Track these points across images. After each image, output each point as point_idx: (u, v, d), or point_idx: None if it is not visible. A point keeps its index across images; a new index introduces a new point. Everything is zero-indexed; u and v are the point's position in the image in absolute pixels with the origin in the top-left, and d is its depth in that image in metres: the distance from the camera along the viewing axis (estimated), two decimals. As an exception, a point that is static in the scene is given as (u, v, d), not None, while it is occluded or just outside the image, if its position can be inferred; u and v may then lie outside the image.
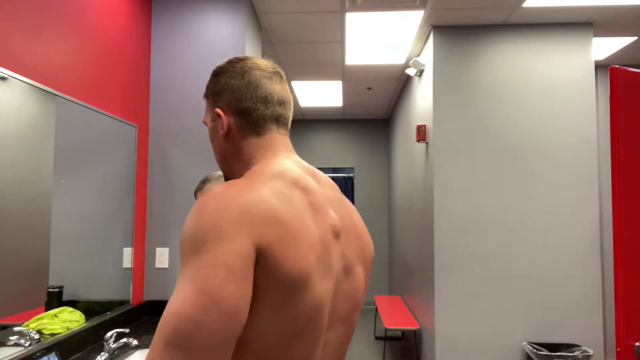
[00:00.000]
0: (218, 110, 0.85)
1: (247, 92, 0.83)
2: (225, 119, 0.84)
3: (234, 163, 0.86)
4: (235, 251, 0.63)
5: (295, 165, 0.82)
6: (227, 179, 0.90)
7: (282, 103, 0.86)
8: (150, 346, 0.61)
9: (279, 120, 0.86)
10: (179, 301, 0.60)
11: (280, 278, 0.66)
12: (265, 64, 0.88)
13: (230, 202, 0.66)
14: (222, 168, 0.90)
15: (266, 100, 0.84)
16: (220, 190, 0.69)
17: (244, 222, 0.65)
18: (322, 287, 0.72)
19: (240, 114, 0.83)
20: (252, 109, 0.83)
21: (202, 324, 0.59)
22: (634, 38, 3.71)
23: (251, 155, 0.84)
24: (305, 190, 0.76)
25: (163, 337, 0.59)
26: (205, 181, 1.78)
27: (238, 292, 0.62)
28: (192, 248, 0.64)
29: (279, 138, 0.86)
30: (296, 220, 0.70)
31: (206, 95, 0.90)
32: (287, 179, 0.76)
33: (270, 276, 0.66)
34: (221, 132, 0.85)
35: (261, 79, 0.84)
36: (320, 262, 0.72)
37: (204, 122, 0.91)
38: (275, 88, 0.85)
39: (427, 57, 3.75)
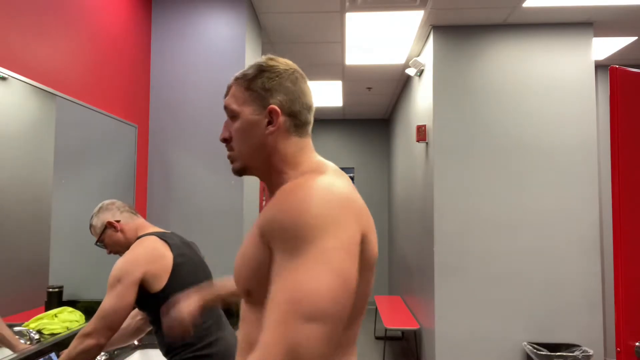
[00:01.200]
0: (275, 107, 0.89)
1: (298, 97, 0.91)
2: (280, 117, 0.89)
3: (271, 158, 0.90)
4: (352, 237, 0.74)
5: None
6: (244, 172, 0.93)
7: (312, 111, 0.98)
8: (277, 321, 0.67)
9: (311, 125, 0.97)
10: (316, 282, 0.68)
11: (366, 261, 0.80)
12: (302, 73, 0.97)
13: (335, 192, 0.77)
14: (248, 161, 0.92)
15: (309, 108, 0.94)
16: (314, 183, 0.78)
17: (351, 211, 0.76)
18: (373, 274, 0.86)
19: (290, 115, 0.90)
20: (301, 113, 0.91)
21: (338, 301, 0.68)
22: (634, 38, 3.71)
23: (293, 154, 0.90)
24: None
25: (299, 313, 0.66)
26: (94, 216, 1.71)
27: (356, 274, 0.73)
28: (310, 233, 0.71)
29: (310, 141, 0.96)
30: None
31: (248, 88, 0.91)
32: (344, 175, 0.87)
33: (363, 260, 0.79)
34: (270, 128, 0.89)
35: (306, 88, 0.94)
36: None
37: (232, 110, 0.92)
38: (311, 98, 0.97)
39: (427, 57, 3.75)
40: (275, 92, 0.90)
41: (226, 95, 0.96)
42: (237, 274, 0.87)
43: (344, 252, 0.71)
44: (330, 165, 0.90)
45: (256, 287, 0.82)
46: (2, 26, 1.58)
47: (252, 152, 0.91)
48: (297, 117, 0.91)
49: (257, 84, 0.91)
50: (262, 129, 0.90)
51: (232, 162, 0.95)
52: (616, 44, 3.83)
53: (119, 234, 1.69)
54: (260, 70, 0.91)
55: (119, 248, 1.70)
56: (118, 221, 1.69)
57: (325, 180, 0.79)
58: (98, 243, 1.71)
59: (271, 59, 0.93)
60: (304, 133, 0.93)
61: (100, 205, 1.73)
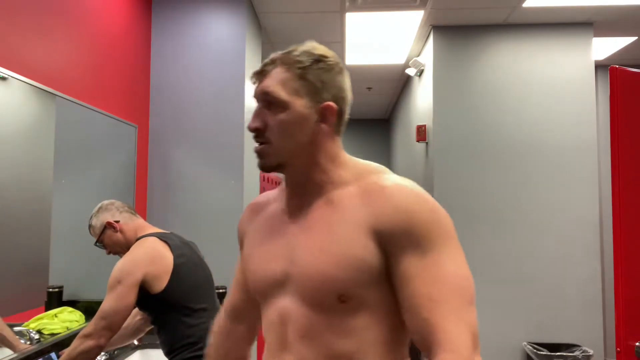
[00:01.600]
0: (332, 105, 0.82)
1: (346, 95, 0.86)
2: (334, 117, 0.83)
3: (316, 156, 0.83)
4: None
5: None
6: (278, 169, 0.84)
7: None
8: (455, 313, 0.71)
9: None
10: (465, 269, 0.75)
11: None
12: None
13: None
14: (289, 157, 0.83)
15: (349, 103, 0.88)
16: (408, 181, 0.81)
17: None
18: None
19: (339, 113, 0.84)
20: (346, 113, 0.86)
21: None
22: (634, 38, 3.71)
23: (337, 153, 0.85)
24: None
25: (467, 300, 0.72)
26: (93, 216, 1.72)
27: None
28: (450, 225, 0.78)
29: None
30: None
31: (303, 77, 0.81)
32: None
33: None
34: (323, 127, 0.82)
35: (349, 84, 0.87)
36: None
37: (279, 99, 0.80)
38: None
39: (427, 57, 3.74)
40: (332, 86, 0.82)
41: (261, 77, 0.83)
42: (324, 277, 0.77)
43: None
44: (375, 164, 0.88)
45: (359, 291, 0.77)
46: (2, 26, 1.58)
47: (297, 149, 0.82)
48: (343, 115, 0.85)
49: (313, 74, 0.81)
50: (312, 126, 0.82)
51: (263, 156, 0.83)
52: (616, 44, 3.83)
53: (119, 235, 1.69)
54: (315, 59, 0.82)
55: (119, 248, 1.70)
56: (117, 221, 1.69)
57: (403, 179, 0.82)
58: (97, 243, 1.71)
59: (318, 47, 0.84)
60: (341, 132, 0.88)
61: (99, 205, 1.73)
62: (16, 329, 1.62)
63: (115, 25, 2.38)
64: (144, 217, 2.67)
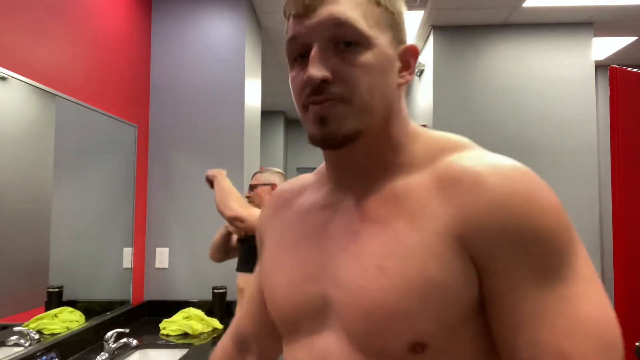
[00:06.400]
0: (415, 45, 0.59)
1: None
2: (416, 64, 0.59)
3: (392, 123, 0.58)
4: None
5: None
6: (352, 140, 0.55)
7: None
8: None
9: None
10: (607, 307, 0.48)
11: None
12: None
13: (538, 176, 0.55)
14: (374, 119, 0.56)
15: None
16: (516, 163, 0.55)
17: None
18: None
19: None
20: None
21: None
22: (634, 38, 3.71)
23: (408, 120, 0.61)
24: None
25: (606, 357, 0.47)
26: (269, 170, 2.08)
27: None
28: (574, 238, 0.50)
29: None
30: None
31: (381, 4, 0.56)
32: None
33: None
34: (407, 76, 0.59)
35: None
36: None
37: (359, 32, 0.53)
38: None
39: (427, 57, 3.74)
40: (404, 21, 0.59)
41: (317, 1, 0.54)
42: (386, 311, 0.50)
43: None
44: (454, 135, 0.63)
45: (441, 335, 0.50)
46: (2, 26, 1.58)
47: (384, 107, 0.56)
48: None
49: (390, 1, 0.57)
50: (395, 74, 0.57)
51: (334, 120, 0.54)
52: (616, 44, 3.83)
53: (268, 198, 2.02)
54: None
55: (260, 204, 1.98)
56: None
57: (501, 157, 0.56)
58: (251, 189, 2.07)
59: None
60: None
61: (277, 170, 2.09)
62: (16, 329, 1.62)
63: (115, 25, 2.38)
64: (144, 217, 2.67)
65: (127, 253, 2.46)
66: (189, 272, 2.67)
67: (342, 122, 0.54)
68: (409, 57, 0.58)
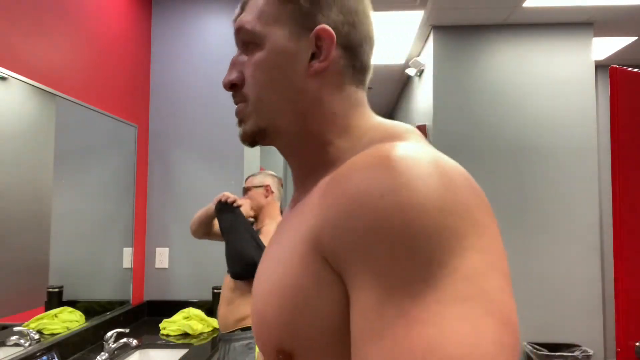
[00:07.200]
0: (327, 27, 0.53)
1: (362, 22, 0.56)
2: (332, 47, 0.53)
3: (311, 116, 0.55)
4: (499, 243, 0.40)
5: None
6: (261, 139, 0.57)
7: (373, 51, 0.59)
8: None
9: (370, 73, 0.60)
10: (467, 339, 0.33)
11: None
12: None
13: (448, 168, 0.42)
14: (273, 118, 0.55)
15: (371, 41, 0.58)
16: (409, 153, 0.42)
17: (483, 201, 0.42)
18: None
19: (348, 48, 0.55)
20: (362, 48, 0.56)
21: None
22: (634, 38, 3.71)
23: (345, 112, 0.55)
24: None
25: None
26: (260, 174, 2.09)
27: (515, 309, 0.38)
28: (439, 242, 0.37)
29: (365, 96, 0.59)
30: None
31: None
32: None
33: None
34: (316, 64, 0.54)
35: (369, 7, 0.58)
36: None
37: (251, 33, 0.55)
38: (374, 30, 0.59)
39: (427, 57, 3.75)
40: (326, 6, 0.54)
41: (240, 12, 0.58)
42: (261, 320, 0.49)
43: (497, 274, 0.37)
44: (405, 126, 0.54)
45: (304, 344, 0.45)
46: (2, 26, 1.58)
47: (282, 102, 0.55)
48: (357, 53, 0.56)
49: None
50: (302, 65, 0.54)
51: (242, 120, 0.57)
52: (616, 44, 3.83)
53: (263, 200, 2.03)
54: None
55: (255, 207, 2.04)
56: (272, 192, 2.04)
57: (422, 150, 0.43)
58: (245, 192, 2.09)
59: None
60: (362, 82, 0.58)
61: (270, 172, 2.10)
62: (16, 329, 1.62)
63: (115, 26, 2.38)
64: (144, 217, 2.67)
65: (127, 253, 2.46)
66: (189, 272, 2.67)
67: (247, 121, 0.56)
68: (320, 43, 0.54)
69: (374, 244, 0.38)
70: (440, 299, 0.35)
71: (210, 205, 2.01)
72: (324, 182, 0.51)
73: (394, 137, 0.51)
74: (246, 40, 0.56)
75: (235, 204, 1.90)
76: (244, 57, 0.57)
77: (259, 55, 0.54)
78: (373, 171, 0.41)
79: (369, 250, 0.38)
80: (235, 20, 0.58)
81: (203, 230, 2.06)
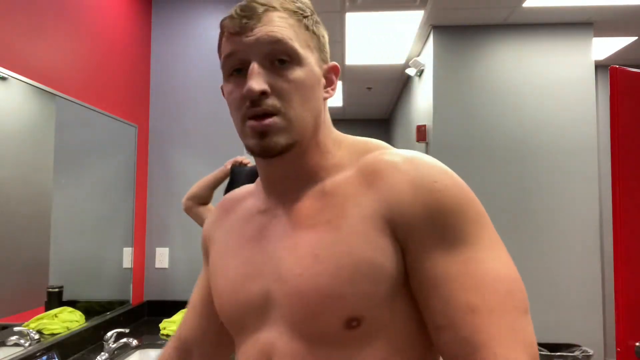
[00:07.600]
0: (337, 65, 0.68)
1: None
2: (337, 79, 0.68)
3: (320, 133, 0.66)
4: None
5: None
6: (286, 150, 0.61)
7: None
8: (507, 327, 0.52)
9: None
10: (511, 268, 0.57)
11: None
12: None
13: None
14: (305, 132, 0.62)
15: None
16: (422, 154, 0.61)
17: None
18: None
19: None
20: None
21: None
22: (634, 38, 3.71)
23: (333, 129, 0.69)
24: None
25: (520, 309, 0.54)
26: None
27: None
28: (481, 210, 0.58)
29: None
30: None
31: (309, 29, 0.63)
32: None
33: None
34: (330, 91, 0.67)
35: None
36: None
37: (294, 51, 0.60)
38: None
39: (427, 57, 3.74)
40: (326, 47, 0.68)
41: (254, 22, 0.59)
42: (323, 294, 0.56)
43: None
44: (371, 139, 0.72)
45: (375, 310, 0.56)
46: (2, 26, 1.58)
47: (311, 119, 0.63)
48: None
49: (316, 27, 0.65)
50: (321, 90, 0.65)
51: (272, 133, 0.59)
52: (616, 44, 3.83)
53: None
54: (311, 10, 0.65)
55: None
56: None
57: (412, 151, 0.63)
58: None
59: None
60: None
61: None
62: (16, 329, 1.62)
63: (115, 26, 2.38)
64: (144, 217, 2.67)
65: (127, 253, 2.46)
66: (189, 272, 2.66)
67: (280, 135, 0.60)
68: (331, 75, 0.67)
69: (435, 215, 0.55)
70: (487, 244, 0.56)
71: (219, 171, 2.01)
72: (340, 180, 0.62)
73: (379, 146, 0.66)
74: (284, 54, 0.59)
75: (250, 166, 1.89)
76: (268, 70, 0.60)
77: (299, 74, 0.60)
78: (411, 164, 0.58)
79: (432, 220, 0.55)
80: (250, 27, 0.59)
81: (208, 195, 2.03)
